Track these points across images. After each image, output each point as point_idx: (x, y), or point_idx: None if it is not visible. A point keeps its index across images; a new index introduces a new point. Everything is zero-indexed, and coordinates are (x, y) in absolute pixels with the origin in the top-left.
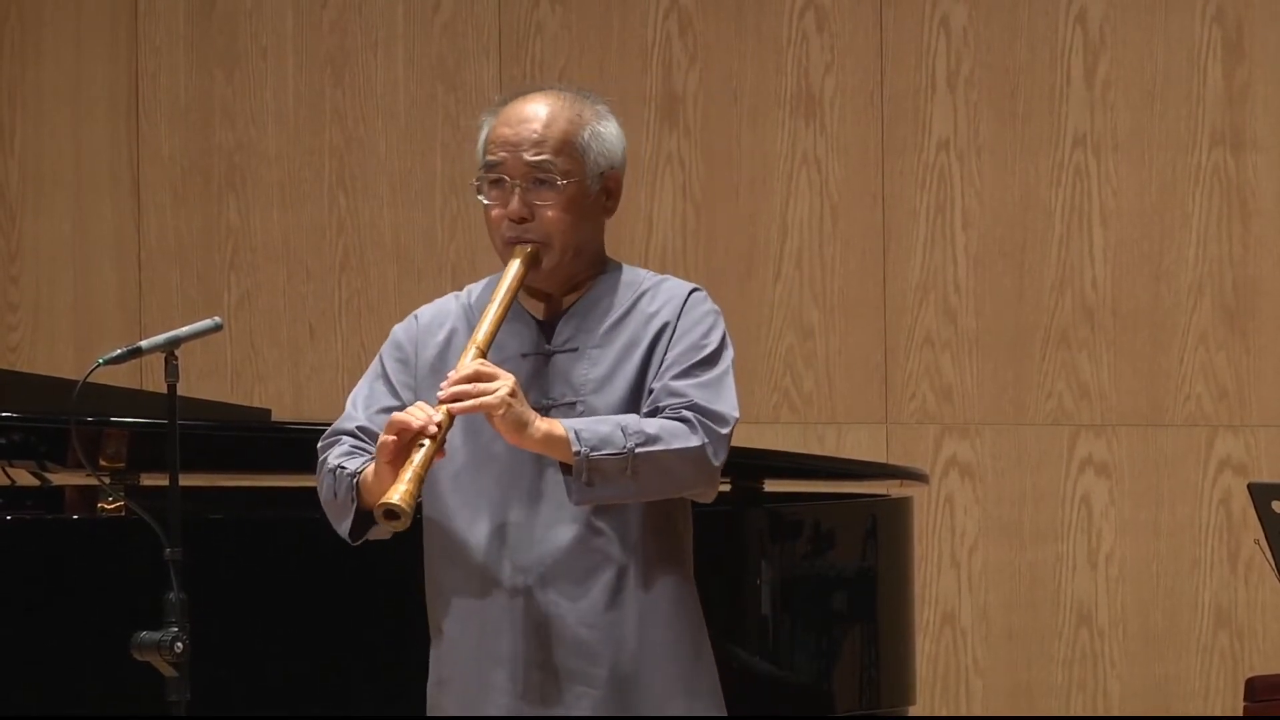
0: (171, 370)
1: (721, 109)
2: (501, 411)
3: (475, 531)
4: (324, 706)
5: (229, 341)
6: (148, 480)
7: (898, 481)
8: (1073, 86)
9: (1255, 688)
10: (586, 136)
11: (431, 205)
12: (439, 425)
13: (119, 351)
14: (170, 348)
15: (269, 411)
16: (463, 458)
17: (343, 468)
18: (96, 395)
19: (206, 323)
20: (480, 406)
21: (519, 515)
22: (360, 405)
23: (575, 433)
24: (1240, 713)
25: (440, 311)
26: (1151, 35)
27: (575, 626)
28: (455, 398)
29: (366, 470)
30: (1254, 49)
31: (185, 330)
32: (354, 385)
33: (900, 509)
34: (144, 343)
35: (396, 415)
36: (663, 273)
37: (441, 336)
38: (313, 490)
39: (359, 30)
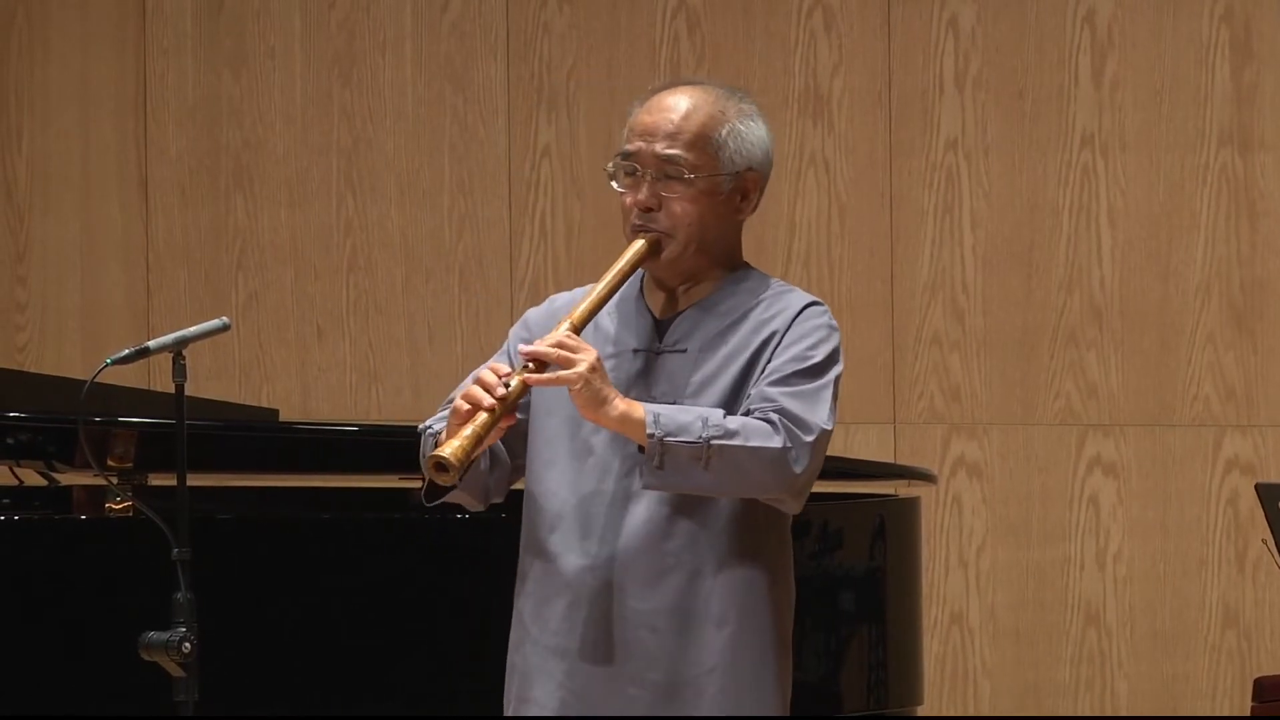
0: (179, 370)
1: None
2: (579, 386)
3: (559, 523)
4: (329, 706)
5: (237, 341)
6: (155, 480)
7: (905, 481)
8: (1080, 87)
9: (1263, 688)
10: (724, 133)
11: (439, 205)
12: (507, 389)
13: (127, 351)
14: (178, 348)
15: (276, 411)
16: (564, 450)
17: (429, 428)
18: (104, 395)
19: (214, 323)
20: (558, 380)
21: (601, 512)
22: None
23: (654, 416)
24: (1248, 713)
25: (572, 300)
26: (1160, 35)
27: (638, 629)
28: (535, 358)
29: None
30: (1262, 49)
31: (193, 330)
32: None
33: (908, 509)
34: (152, 343)
35: (473, 381)
36: None
37: None
38: (320, 490)
39: (367, 30)
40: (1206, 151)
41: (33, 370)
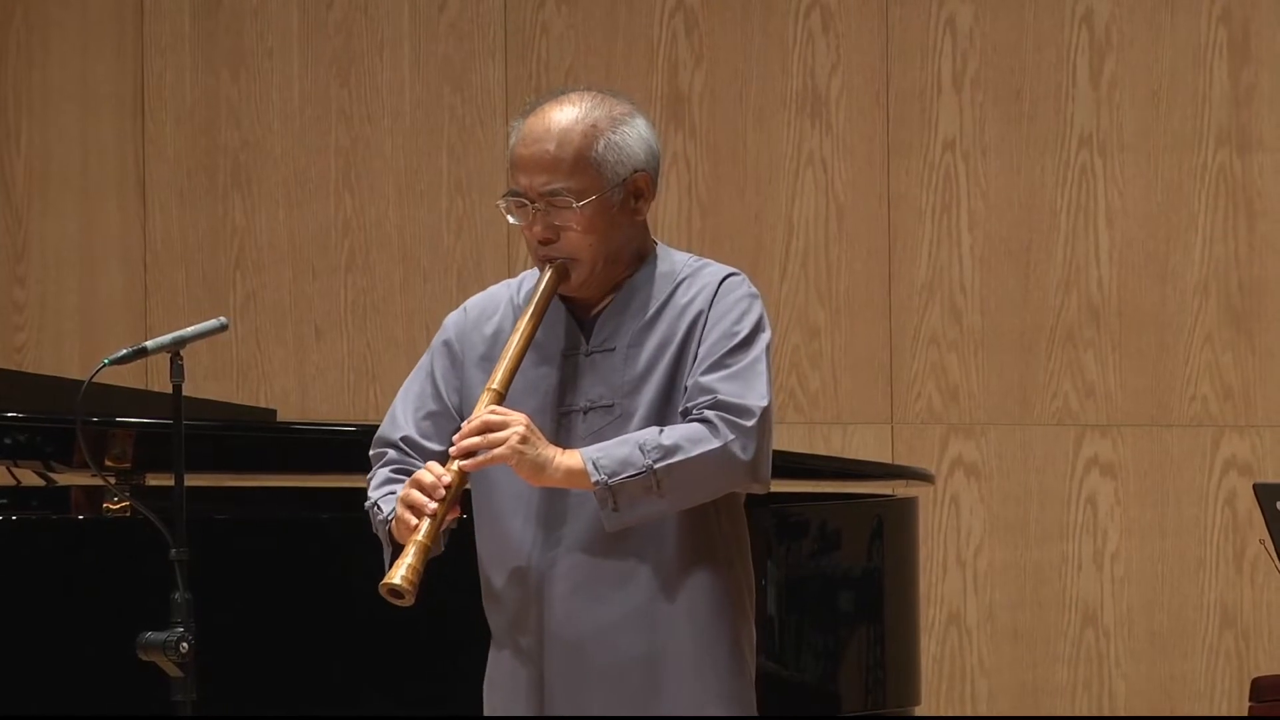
0: (177, 370)
1: (727, 109)
2: (514, 461)
3: (515, 535)
4: (329, 706)
5: (234, 341)
6: (153, 480)
7: (903, 481)
8: (1078, 87)
9: (1260, 688)
10: (601, 149)
11: (437, 205)
12: (446, 490)
13: (125, 351)
14: (176, 348)
15: (274, 411)
16: (504, 478)
17: (379, 509)
18: (102, 395)
19: (212, 323)
20: (492, 460)
21: (555, 518)
22: (409, 411)
23: (592, 462)
24: (1245, 713)
25: (490, 302)
26: (1157, 35)
27: (607, 630)
28: (465, 453)
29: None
30: (1260, 49)
31: (191, 330)
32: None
33: (906, 509)
34: (149, 343)
35: (412, 483)
36: None
37: (489, 330)
38: (317, 490)
39: (365, 30)
40: (1204, 152)
41: (31, 370)
